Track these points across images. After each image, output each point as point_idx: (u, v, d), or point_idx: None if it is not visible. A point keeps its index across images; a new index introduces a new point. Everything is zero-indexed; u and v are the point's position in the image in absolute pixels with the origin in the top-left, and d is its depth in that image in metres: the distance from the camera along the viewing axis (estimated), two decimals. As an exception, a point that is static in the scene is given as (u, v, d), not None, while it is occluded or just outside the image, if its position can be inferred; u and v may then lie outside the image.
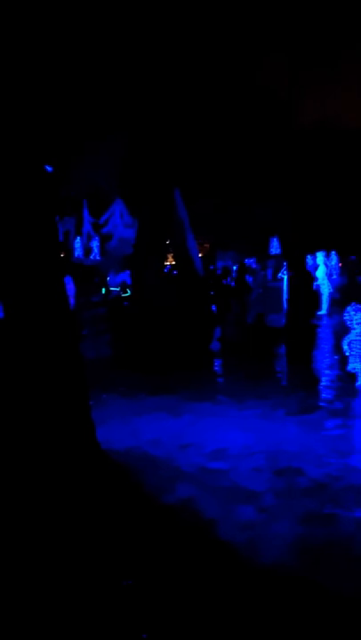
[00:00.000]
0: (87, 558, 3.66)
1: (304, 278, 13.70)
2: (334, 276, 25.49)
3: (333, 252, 27.10)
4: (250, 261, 29.91)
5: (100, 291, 16.74)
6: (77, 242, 24.93)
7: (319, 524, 4.03)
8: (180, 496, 4.51)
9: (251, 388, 7.83)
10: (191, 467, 5.13)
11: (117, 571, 3.51)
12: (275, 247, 20.05)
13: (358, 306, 7.66)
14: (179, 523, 4.12)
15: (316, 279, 14.91)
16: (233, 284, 17.03)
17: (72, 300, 10.37)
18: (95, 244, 25.35)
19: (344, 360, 7.97)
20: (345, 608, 3.13)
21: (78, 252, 24.79)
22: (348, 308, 7.70)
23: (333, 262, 26.70)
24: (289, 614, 3.10)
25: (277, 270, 13.14)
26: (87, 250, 25.39)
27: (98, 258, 24.56)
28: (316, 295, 14.61)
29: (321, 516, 4.14)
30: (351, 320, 7.61)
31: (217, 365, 9.87)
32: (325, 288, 14.82)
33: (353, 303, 7.80)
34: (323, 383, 8.18)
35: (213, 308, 11.58)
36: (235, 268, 23.78)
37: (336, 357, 9.32)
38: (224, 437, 5.88)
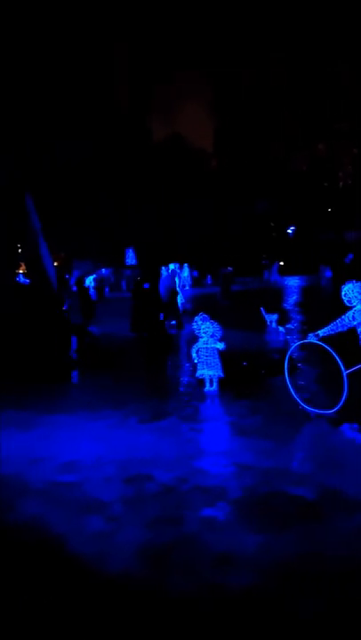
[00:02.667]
0: None
1: (156, 289, 14.12)
2: (187, 287, 26.63)
3: (186, 265, 28.35)
4: (107, 271, 30.09)
5: None
6: None
7: (166, 527, 4.16)
8: (27, 513, 4.38)
9: (105, 398, 7.88)
10: (41, 482, 5.01)
11: None
12: (130, 258, 20.36)
13: (205, 315, 8.08)
14: (25, 541, 3.99)
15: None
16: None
17: None
18: None
19: (194, 367, 8.35)
20: (185, 610, 3.27)
21: None
22: (196, 318, 8.09)
23: (186, 274, 27.92)
24: (131, 621, 3.17)
25: (131, 280, 13.36)
26: None
27: None
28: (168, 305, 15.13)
29: (168, 519, 4.29)
30: (199, 329, 8.00)
31: (71, 376, 9.74)
32: (178, 299, 15.35)
33: (201, 313, 8.21)
34: (174, 390, 8.46)
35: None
36: (92, 277, 23.67)
37: (186, 365, 9.72)
38: (76, 449, 5.84)
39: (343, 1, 35.89)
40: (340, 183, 41.03)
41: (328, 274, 28.73)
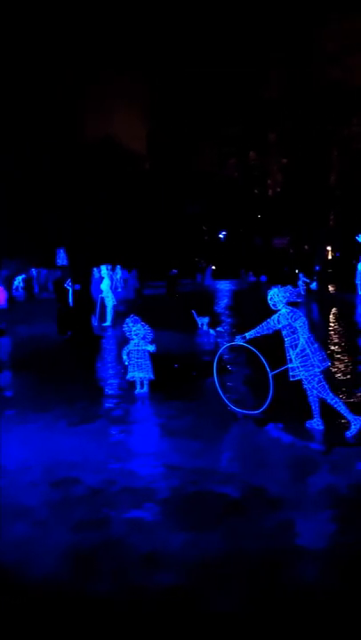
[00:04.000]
0: None
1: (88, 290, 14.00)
2: (119, 289, 26.50)
3: (118, 266, 28.21)
4: (39, 272, 29.39)
5: None
6: None
7: (93, 530, 4.14)
8: None
9: (33, 401, 7.71)
10: None
11: None
12: (62, 258, 20.01)
13: (136, 317, 8.09)
14: None
15: (101, 291, 15.29)
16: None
17: None
18: None
19: (124, 369, 8.33)
20: (107, 610, 3.27)
21: None
22: (127, 320, 8.08)
23: (119, 275, 27.79)
24: (55, 625, 3.13)
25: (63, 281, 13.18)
26: None
27: None
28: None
29: (95, 521, 4.26)
30: (130, 331, 7.99)
31: (-2, 379, 9.45)
32: (110, 300, 15.28)
33: (132, 315, 8.21)
34: (104, 392, 8.41)
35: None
36: (21, 277, 23.07)
37: (117, 367, 9.68)
38: (2, 453, 5.68)
39: (269, 6, 37.00)
40: (270, 191, 42.30)
41: (252, 278, 29.65)
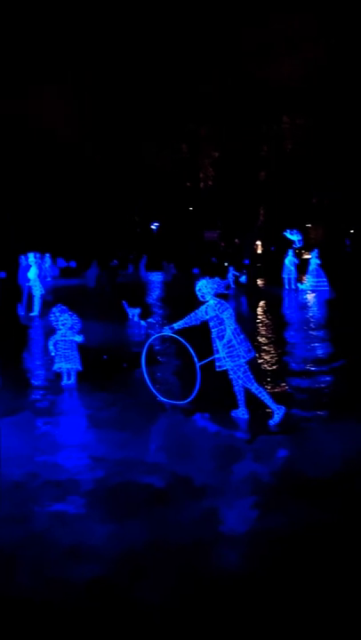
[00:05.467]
0: None
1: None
2: (48, 279, 25.88)
3: (48, 255, 27.52)
4: None
5: None
6: None
7: (14, 526, 4.03)
8: None
9: None
10: None
11: None
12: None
13: (63, 307, 7.92)
14: None
15: (28, 280, 14.87)
16: None
17: None
18: None
19: (51, 360, 8.15)
20: (29, 605, 3.20)
21: None
22: (54, 309, 7.90)
23: (48, 264, 27.12)
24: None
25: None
26: None
27: None
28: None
29: (16, 516, 4.15)
30: (57, 321, 7.82)
31: None
32: (37, 290, 14.88)
33: (58, 304, 8.03)
34: (30, 384, 8.19)
35: None
36: None
37: (44, 358, 9.46)
38: None
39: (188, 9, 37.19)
40: (202, 184, 42.66)
41: (173, 270, 29.94)
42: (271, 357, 9.52)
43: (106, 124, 37.89)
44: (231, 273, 24.06)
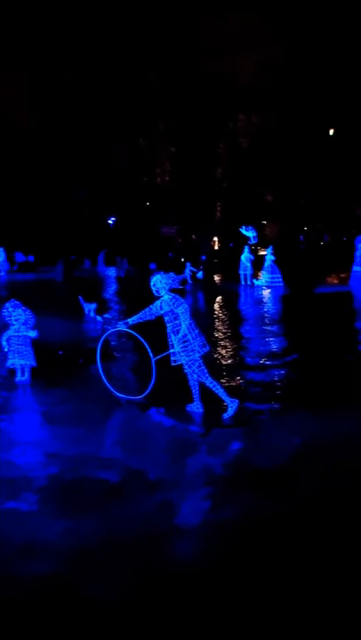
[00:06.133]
0: None
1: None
2: (2, 273, 25.34)
3: (2, 248, 26.92)
4: None
5: None
6: None
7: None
8: None
9: None
10: None
11: None
12: None
13: (17, 302, 7.78)
14: None
15: None
16: None
17: None
18: None
19: (4, 356, 7.99)
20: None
21: None
22: (7, 304, 7.75)
23: (1, 259, 26.54)
24: None
25: None
26: None
27: None
28: None
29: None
30: (10, 316, 7.67)
31: None
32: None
33: (12, 299, 7.88)
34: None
35: None
36: None
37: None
38: None
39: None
40: (158, 179, 42.57)
41: (126, 265, 29.95)
42: (227, 352, 9.64)
43: (61, 116, 37.29)
44: (188, 269, 24.18)
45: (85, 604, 3.20)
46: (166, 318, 6.11)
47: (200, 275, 24.75)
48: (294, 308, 15.60)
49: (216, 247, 48.32)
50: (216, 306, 17.07)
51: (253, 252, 24.54)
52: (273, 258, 21.77)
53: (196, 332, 6.09)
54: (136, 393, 6.83)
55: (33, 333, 7.75)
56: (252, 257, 23.08)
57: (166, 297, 6.09)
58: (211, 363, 7.32)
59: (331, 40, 38.73)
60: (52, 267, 27.33)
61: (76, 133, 38.19)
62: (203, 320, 13.33)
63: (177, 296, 6.10)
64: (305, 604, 3.16)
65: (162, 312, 6.11)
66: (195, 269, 24.65)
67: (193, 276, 24.16)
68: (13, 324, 7.68)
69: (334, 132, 41.74)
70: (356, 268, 20.36)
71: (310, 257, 34.39)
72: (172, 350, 6.10)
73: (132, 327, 6.44)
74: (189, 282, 23.41)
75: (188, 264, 24.77)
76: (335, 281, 21.58)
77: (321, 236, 47.98)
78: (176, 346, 6.03)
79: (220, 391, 6.11)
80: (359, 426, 5.66)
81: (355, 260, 20.46)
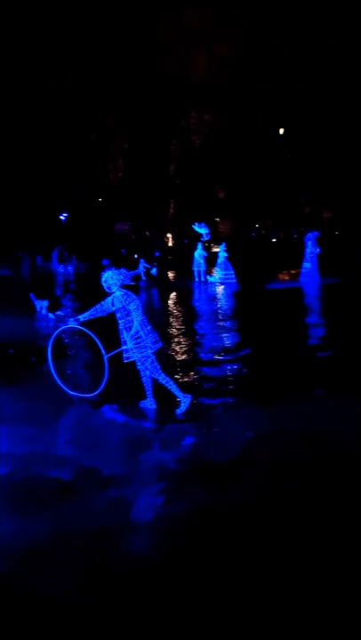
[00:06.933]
0: None
1: None
2: None
3: None
4: None
5: None
6: None
7: None
8: None
9: None
10: None
11: None
12: None
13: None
14: None
15: None
16: None
17: None
18: None
19: None
20: None
21: None
22: None
23: None
24: None
25: None
26: None
27: None
28: None
29: None
30: None
31: None
32: None
33: None
34: None
35: None
36: None
37: None
38: None
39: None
40: (111, 175, 42.22)
41: (75, 262, 29.75)
42: (181, 348, 9.69)
43: (9, 110, 36.40)
44: (142, 265, 24.14)
45: (38, 603, 3.16)
46: (118, 315, 6.08)
47: (154, 271, 24.77)
48: (247, 304, 15.85)
49: (170, 244, 48.40)
50: (170, 302, 17.12)
51: (207, 248, 24.74)
52: (226, 254, 22.01)
53: (149, 328, 6.09)
54: (89, 390, 6.77)
55: (-18, 331, 7.56)
56: (205, 253, 23.27)
57: (118, 293, 6.06)
58: (165, 359, 7.34)
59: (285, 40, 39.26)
60: (11, 263, 26.80)
61: (29, 127, 37.39)
62: (157, 316, 13.36)
63: (129, 292, 6.09)
64: (256, 595, 3.22)
65: (113, 308, 6.08)
66: (148, 266, 24.64)
67: (147, 272, 24.15)
68: None
69: (285, 132, 42.48)
70: (305, 265, 20.84)
71: (262, 254, 34.96)
72: (124, 347, 6.08)
73: (84, 324, 6.38)
74: (143, 278, 23.39)
75: (141, 260, 24.73)
76: (286, 277, 22.02)
77: (272, 234, 48.88)
78: (129, 342, 6.02)
79: (172, 387, 6.14)
80: (310, 419, 5.80)
81: (305, 257, 20.94)
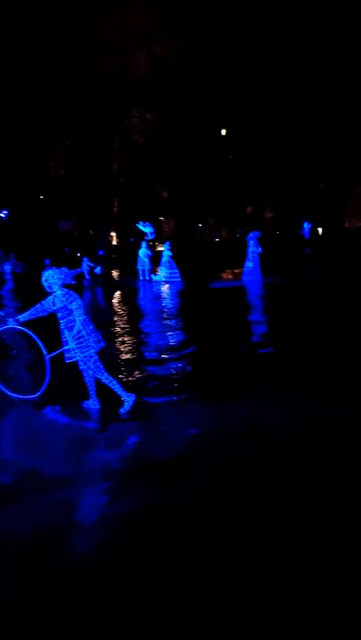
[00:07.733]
0: None
1: None
2: None
3: None
4: None
5: None
6: None
7: None
8: None
9: None
10: None
11: None
12: None
13: None
14: None
15: None
16: None
17: None
18: None
19: None
20: None
21: None
22: None
23: None
24: None
25: None
26: None
27: None
28: None
29: None
30: None
31: None
32: None
33: None
34: None
35: None
36: None
37: None
38: None
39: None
40: (52, 173, 41.44)
41: (14, 260, 29.24)
42: (125, 347, 9.63)
43: None
44: (86, 263, 23.84)
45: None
46: (60, 314, 5.97)
47: (98, 270, 24.51)
48: (191, 303, 15.94)
49: (114, 242, 48.03)
50: (115, 301, 17.00)
51: (151, 247, 24.72)
52: (170, 253, 22.07)
53: (91, 327, 6.01)
54: (30, 392, 6.62)
55: None
56: (149, 252, 23.24)
57: (59, 292, 5.95)
58: (109, 358, 7.27)
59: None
60: None
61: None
62: (101, 315, 13.24)
63: (70, 291, 5.99)
64: (200, 594, 3.25)
65: (54, 308, 5.96)
66: (92, 264, 24.36)
67: (91, 271, 23.87)
68: None
69: (227, 132, 42.97)
70: (248, 264, 21.18)
71: (205, 253, 35.28)
72: (66, 347, 5.98)
73: (25, 324, 6.23)
74: (87, 277, 23.11)
75: (85, 259, 24.43)
76: (229, 276, 22.31)
77: (214, 234, 49.42)
78: (71, 342, 5.93)
79: (116, 387, 6.09)
80: (253, 417, 5.89)
81: (247, 257, 21.28)
